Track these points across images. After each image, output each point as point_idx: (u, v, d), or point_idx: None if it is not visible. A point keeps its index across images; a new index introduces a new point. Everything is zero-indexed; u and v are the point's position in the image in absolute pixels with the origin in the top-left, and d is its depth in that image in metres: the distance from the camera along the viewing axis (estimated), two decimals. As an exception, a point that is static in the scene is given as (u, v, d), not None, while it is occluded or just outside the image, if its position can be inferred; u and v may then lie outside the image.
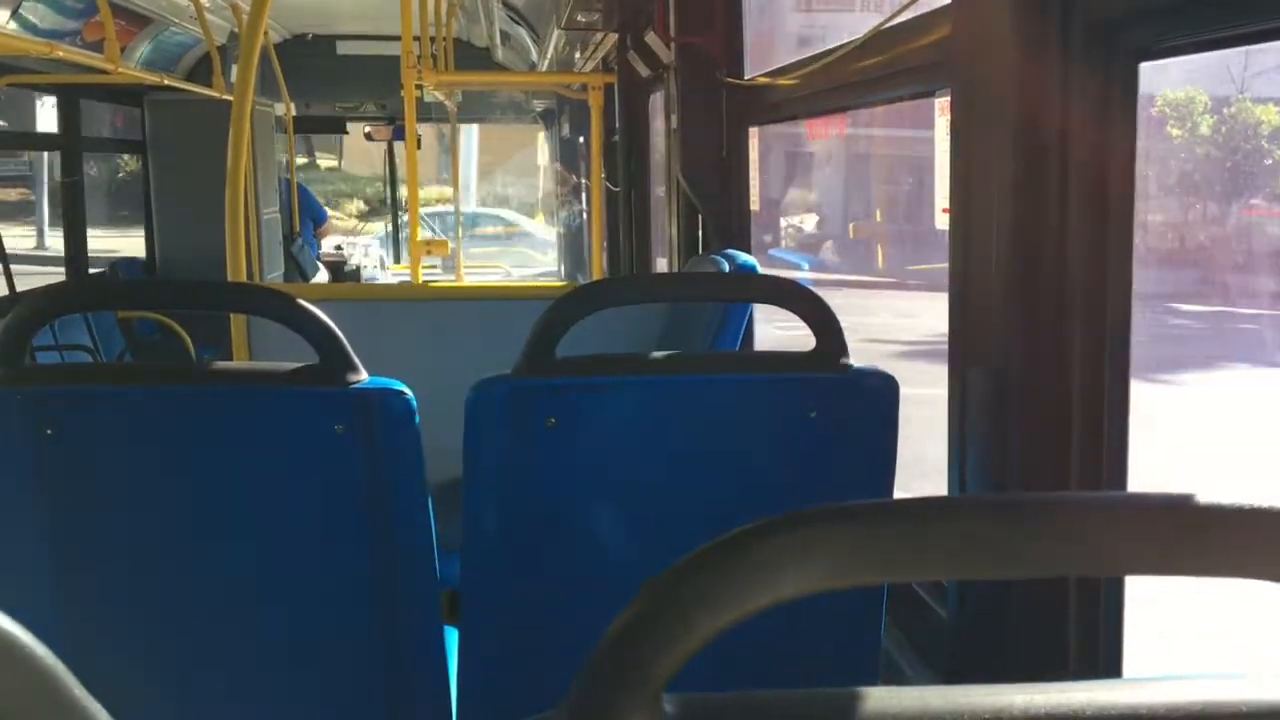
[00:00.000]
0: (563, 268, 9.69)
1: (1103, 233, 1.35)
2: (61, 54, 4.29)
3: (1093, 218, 1.35)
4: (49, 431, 1.66)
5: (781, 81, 2.74)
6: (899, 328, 9.91)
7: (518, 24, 7.27)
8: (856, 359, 1.77)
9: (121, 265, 7.06)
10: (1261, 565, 0.62)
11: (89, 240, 6.50)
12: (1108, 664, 1.43)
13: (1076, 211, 1.36)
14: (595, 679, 0.63)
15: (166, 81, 6.13)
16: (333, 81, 8.24)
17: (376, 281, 8.82)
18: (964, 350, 1.57)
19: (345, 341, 1.67)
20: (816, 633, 1.86)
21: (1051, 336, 1.40)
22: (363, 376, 1.68)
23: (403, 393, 1.67)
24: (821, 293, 1.82)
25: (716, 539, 0.62)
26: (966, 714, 0.62)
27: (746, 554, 0.61)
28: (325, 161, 21.00)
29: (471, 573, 1.81)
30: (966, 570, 0.61)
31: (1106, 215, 1.34)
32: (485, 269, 9.67)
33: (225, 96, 5.96)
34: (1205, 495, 0.63)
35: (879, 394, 1.76)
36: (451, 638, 1.89)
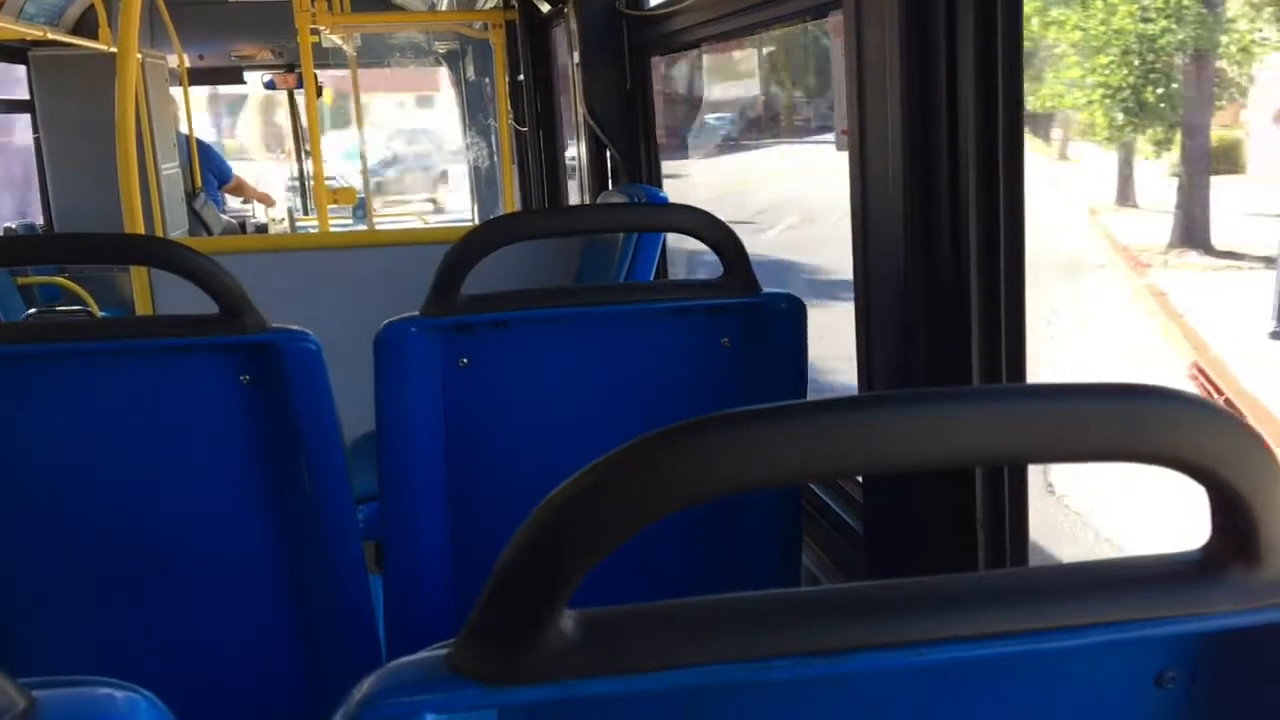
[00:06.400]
0: (476, 212, 9.58)
1: (993, 136, 1.37)
2: None
3: (984, 121, 1.37)
4: None
5: (679, 9, 2.72)
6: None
7: (414, -38, 7.10)
8: None
9: (20, 229, 6.82)
10: (1161, 450, 0.64)
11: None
12: (1015, 558, 1.47)
13: (967, 117, 1.38)
14: (495, 600, 0.64)
15: (50, 36, 5.89)
16: (225, 30, 7.98)
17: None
18: (867, 258, 1.59)
19: (246, 290, 1.64)
20: (734, 556, 1.89)
21: (949, 239, 1.43)
22: (267, 325, 1.65)
23: (308, 339, 1.64)
24: None
25: (603, 456, 0.62)
26: (855, 605, 0.64)
27: (631, 468, 0.61)
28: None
29: (392, 520, 1.80)
30: (877, 462, 0.62)
31: (997, 118, 1.36)
32: (398, 217, 9.51)
33: (113, 49, 5.75)
34: (1110, 385, 0.64)
35: (788, 317, 1.78)
36: (376, 586, 1.89)
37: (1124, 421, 0.64)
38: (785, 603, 0.66)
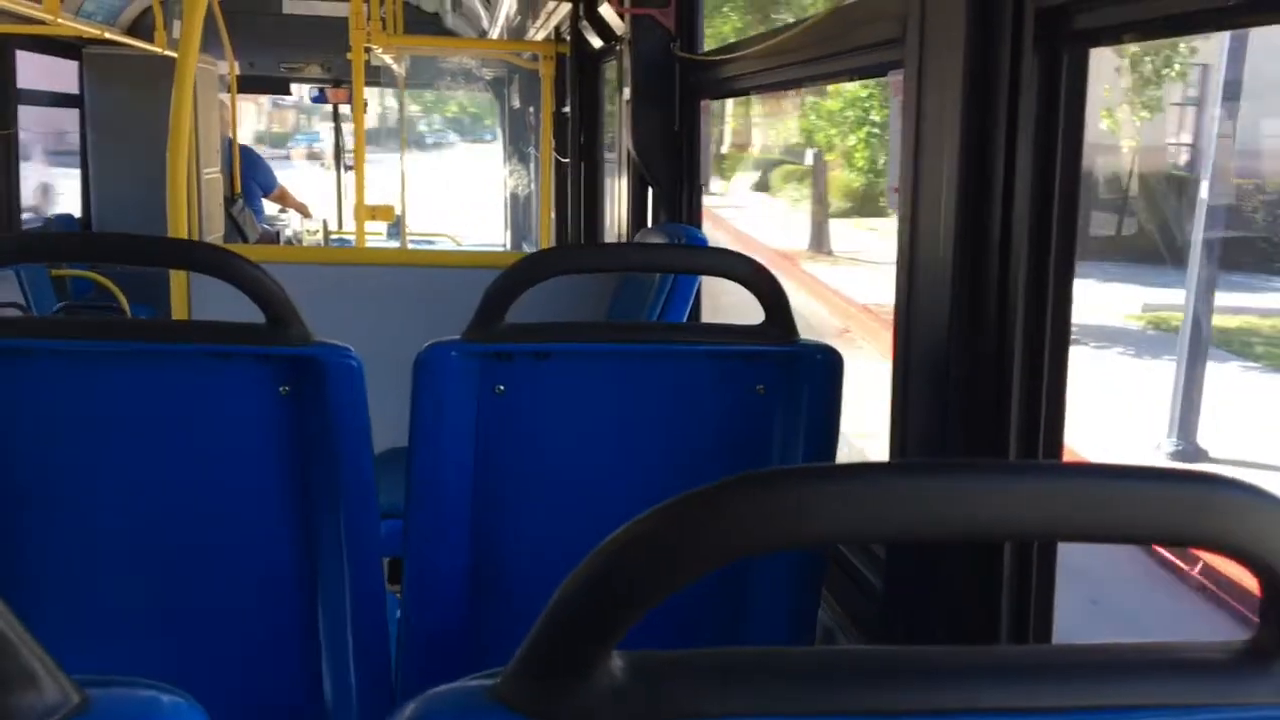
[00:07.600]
0: (508, 239, 9.64)
1: (1048, 215, 1.37)
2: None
3: (1039, 199, 1.38)
4: None
5: (735, 56, 2.74)
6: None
7: (469, -10, 7.19)
8: None
9: (57, 222, 6.89)
10: (1195, 534, 0.64)
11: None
12: (1038, 634, 1.46)
13: (1023, 193, 1.39)
14: (547, 635, 0.64)
15: (106, 35, 5.98)
16: (277, 41, 8.08)
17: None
18: (909, 322, 1.59)
19: (293, 302, 1.65)
20: (753, 604, 1.88)
21: (994, 310, 1.43)
22: (311, 338, 1.66)
23: (349, 354, 1.66)
24: None
25: (669, 500, 0.62)
26: (901, 669, 0.64)
27: (700, 516, 0.61)
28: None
29: (415, 539, 1.81)
30: (909, 531, 0.62)
31: (1053, 198, 1.37)
32: (431, 236, 9.57)
33: (167, 52, 5.84)
34: (1147, 466, 0.65)
35: (824, 368, 1.79)
36: (391, 603, 1.89)
37: (1178, 506, 0.64)
38: (841, 659, 0.66)
